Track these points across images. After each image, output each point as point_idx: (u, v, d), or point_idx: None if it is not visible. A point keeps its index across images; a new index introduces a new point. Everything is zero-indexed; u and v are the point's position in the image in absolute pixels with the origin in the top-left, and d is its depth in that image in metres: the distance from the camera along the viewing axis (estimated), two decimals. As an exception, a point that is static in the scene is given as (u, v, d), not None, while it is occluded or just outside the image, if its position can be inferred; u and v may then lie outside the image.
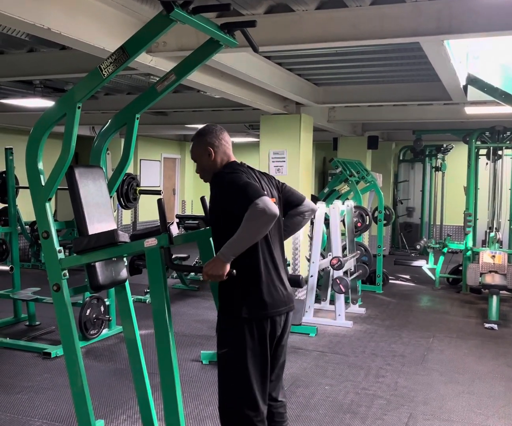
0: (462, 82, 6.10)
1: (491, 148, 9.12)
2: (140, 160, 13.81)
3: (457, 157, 13.36)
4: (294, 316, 5.98)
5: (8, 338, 5.83)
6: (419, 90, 7.25)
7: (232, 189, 2.64)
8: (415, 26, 4.06)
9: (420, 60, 5.92)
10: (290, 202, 3.04)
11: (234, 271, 2.60)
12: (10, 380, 4.82)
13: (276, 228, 2.85)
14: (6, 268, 4.66)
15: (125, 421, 4.07)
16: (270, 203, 2.50)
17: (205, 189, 2.74)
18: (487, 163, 9.54)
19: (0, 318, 6.53)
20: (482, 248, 8.45)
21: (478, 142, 9.04)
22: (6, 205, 6.85)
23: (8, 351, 5.57)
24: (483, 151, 9.44)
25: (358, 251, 7.61)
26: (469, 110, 7.78)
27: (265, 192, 2.69)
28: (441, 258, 9.07)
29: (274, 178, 3.04)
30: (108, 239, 2.75)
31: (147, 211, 13.35)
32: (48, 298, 5.99)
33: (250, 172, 2.84)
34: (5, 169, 6.79)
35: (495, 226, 9.10)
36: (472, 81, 6.10)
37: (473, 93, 6.53)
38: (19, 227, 7.98)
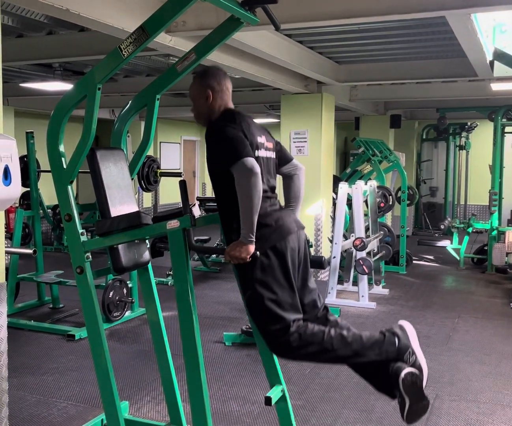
0: (489, 57, 5.95)
1: (518, 125, 8.93)
2: (160, 142, 13.80)
3: (481, 135, 13.13)
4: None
5: (32, 321, 5.89)
6: (443, 66, 7.09)
7: (223, 144, 2.64)
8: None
9: (444, 36, 5.77)
10: (282, 156, 3.02)
11: (258, 253, 2.58)
12: (36, 362, 4.87)
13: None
14: (30, 251, 4.64)
15: (150, 403, 4.08)
16: (255, 163, 2.54)
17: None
18: (513, 141, 9.36)
19: (24, 301, 6.61)
20: (508, 228, 8.30)
21: (504, 120, 8.85)
22: (28, 189, 6.89)
23: (33, 333, 5.62)
24: (509, 129, 9.24)
25: (381, 232, 7.52)
26: (495, 87, 7.61)
27: (257, 147, 2.73)
28: (466, 238, 8.93)
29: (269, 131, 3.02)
30: (132, 221, 2.72)
31: (168, 193, 13.36)
32: (71, 281, 6.04)
33: (245, 123, 2.75)
34: (26, 153, 6.81)
35: (521, 205, 8.95)
36: (499, 56, 5.94)
37: (500, 69, 6.37)
38: (41, 211, 8.03)
